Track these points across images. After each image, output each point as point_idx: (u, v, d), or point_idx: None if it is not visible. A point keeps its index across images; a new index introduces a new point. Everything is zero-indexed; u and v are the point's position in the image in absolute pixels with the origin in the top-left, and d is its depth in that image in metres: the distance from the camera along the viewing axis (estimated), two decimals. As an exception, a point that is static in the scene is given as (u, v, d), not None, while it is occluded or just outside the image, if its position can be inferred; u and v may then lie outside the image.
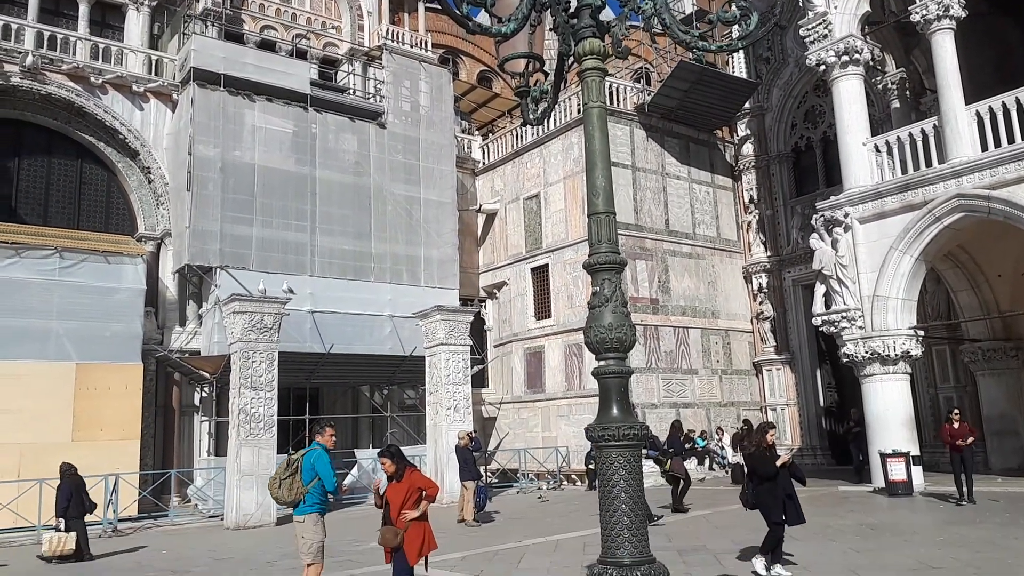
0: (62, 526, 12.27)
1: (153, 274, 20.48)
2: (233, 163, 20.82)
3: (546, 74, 5.48)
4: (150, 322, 19.80)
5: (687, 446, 19.30)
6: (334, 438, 7.55)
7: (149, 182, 21.31)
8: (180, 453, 19.77)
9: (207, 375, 19.30)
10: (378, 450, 8.62)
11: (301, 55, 24.54)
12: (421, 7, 27.87)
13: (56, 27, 20.87)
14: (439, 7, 26.15)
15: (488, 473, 20.37)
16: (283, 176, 21.65)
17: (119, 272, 18.91)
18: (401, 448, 7.19)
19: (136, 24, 22.50)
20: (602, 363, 4.64)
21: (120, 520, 15.77)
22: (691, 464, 19.50)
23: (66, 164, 20.85)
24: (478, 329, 24.49)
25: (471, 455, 15.20)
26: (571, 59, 5.15)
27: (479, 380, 23.86)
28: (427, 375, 19.56)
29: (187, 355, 19.97)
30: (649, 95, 24.13)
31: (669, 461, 14.85)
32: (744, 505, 9.09)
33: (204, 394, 20.54)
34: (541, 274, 24.61)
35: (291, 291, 19.42)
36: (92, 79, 20.39)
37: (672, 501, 14.81)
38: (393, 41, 25.94)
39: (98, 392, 17.53)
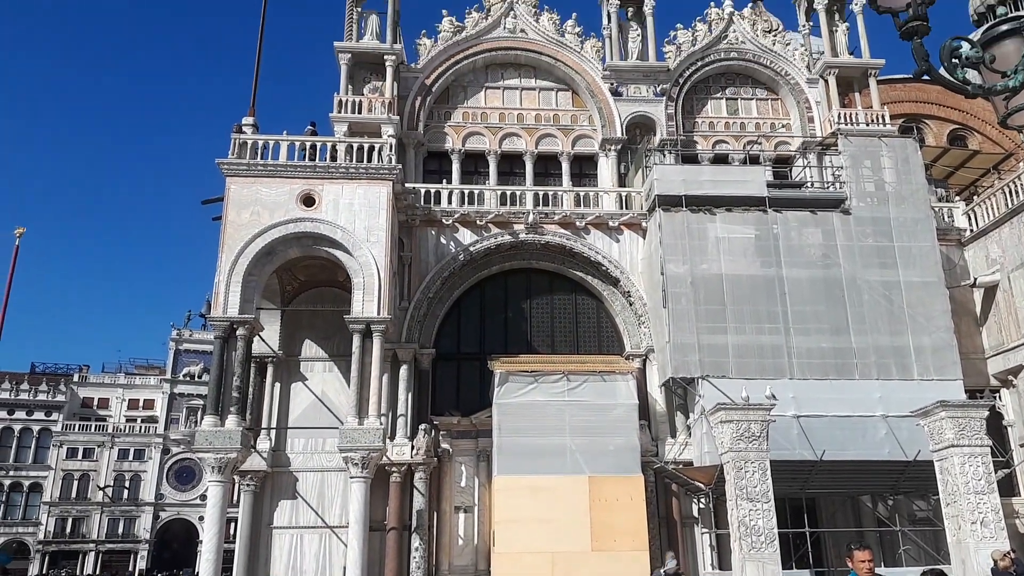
0: None
1: (642, 389, 22.17)
2: (702, 276, 21.84)
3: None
4: (644, 435, 21.30)
5: None
6: (867, 564, 6.81)
7: (630, 304, 23.49)
8: (686, 565, 20.42)
9: (702, 486, 19.89)
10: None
11: (753, 160, 25.08)
12: (872, 83, 26.45)
13: (546, 186, 24.94)
14: (894, 77, 24.59)
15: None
16: (750, 281, 21.95)
17: (613, 390, 20.91)
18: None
19: (606, 168, 25.66)
20: None
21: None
22: None
23: (564, 299, 24.22)
24: (995, 425, 21.02)
25: (1016, 583, 12.86)
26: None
27: (1007, 487, 20.25)
28: (939, 483, 17.28)
29: (681, 466, 20.91)
30: None
31: None
32: None
33: (701, 505, 21.16)
34: (1074, 352, 20.34)
35: (773, 396, 19.22)
36: (577, 223, 23.64)
37: None
38: (846, 124, 25.08)
39: (608, 503, 19.29)
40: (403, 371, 21.98)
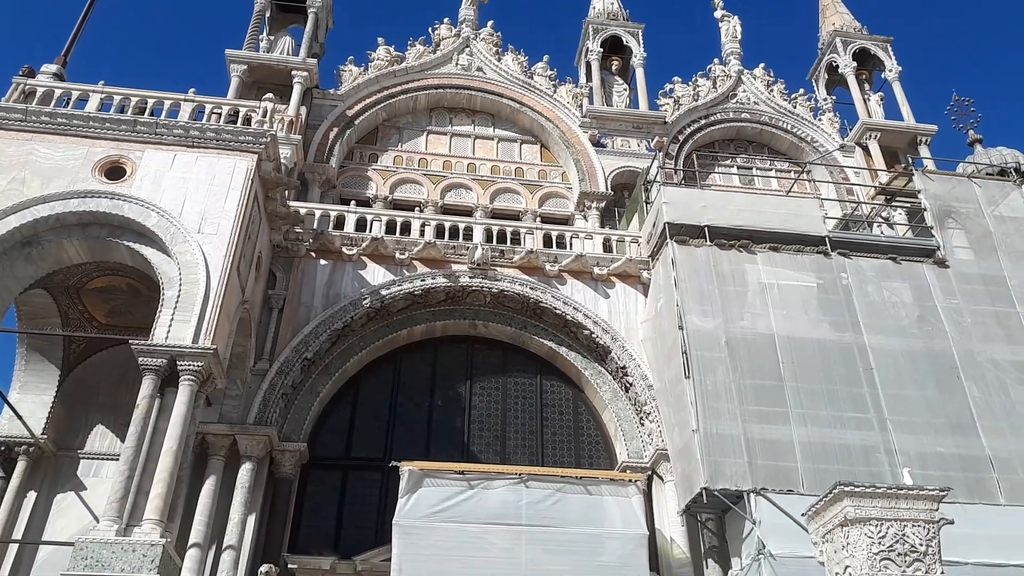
0: None
1: (647, 523, 13.19)
2: (742, 337, 13.84)
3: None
4: (661, 592, 12.09)
5: None
6: None
7: (625, 389, 15.08)
8: None
9: None
10: None
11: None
12: (925, 152, 20.38)
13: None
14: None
15: None
16: (817, 348, 13.99)
17: (602, 509, 12.20)
18: None
19: (587, 224, 18.45)
20: None
21: None
22: None
23: (524, 383, 15.69)
24: None
25: None
26: None
27: None
28: None
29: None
30: None
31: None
32: None
33: None
34: None
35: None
36: (547, 268, 15.79)
37: None
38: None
39: None
40: (244, 473, 12.73)
